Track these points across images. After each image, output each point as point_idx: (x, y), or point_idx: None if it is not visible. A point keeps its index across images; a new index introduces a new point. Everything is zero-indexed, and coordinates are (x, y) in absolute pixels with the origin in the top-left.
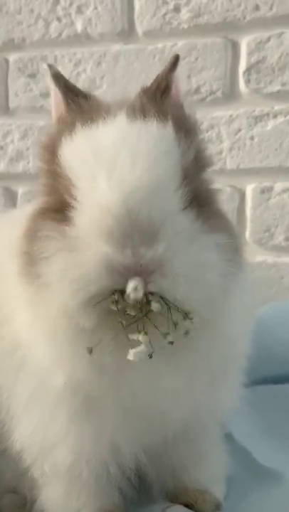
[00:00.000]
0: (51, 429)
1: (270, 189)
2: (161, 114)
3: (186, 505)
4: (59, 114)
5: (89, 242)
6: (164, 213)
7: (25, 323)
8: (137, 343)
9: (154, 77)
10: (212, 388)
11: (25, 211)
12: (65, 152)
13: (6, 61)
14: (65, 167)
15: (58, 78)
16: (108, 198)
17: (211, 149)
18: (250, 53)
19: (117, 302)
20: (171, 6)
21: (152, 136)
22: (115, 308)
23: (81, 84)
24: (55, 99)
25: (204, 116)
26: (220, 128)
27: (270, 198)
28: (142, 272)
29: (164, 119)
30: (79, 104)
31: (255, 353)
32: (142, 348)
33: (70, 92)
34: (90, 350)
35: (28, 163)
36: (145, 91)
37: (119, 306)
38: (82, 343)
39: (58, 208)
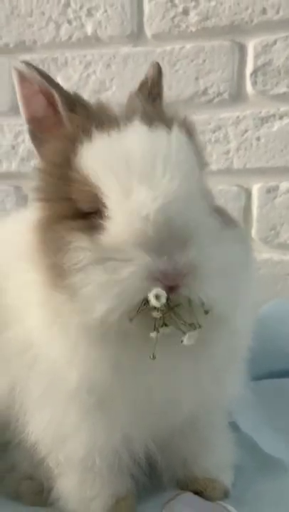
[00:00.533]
0: (64, 424)
1: (275, 188)
2: (168, 119)
3: (196, 493)
4: (33, 110)
5: (127, 250)
6: (196, 220)
7: (41, 326)
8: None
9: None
10: (218, 378)
11: (23, 213)
12: (88, 158)
13: None
14: (88, 174)
15: (50, 78)
16: (148, 208)
17: (219, 149)
18: (256, 56)
19: (155, 308)
20: (179, 9)
21: (179, 144)
22: (157, 316)
23: (91, 86)
24: (28, 93)
25: (212, 118)
26: (227, 129)
27: (275, 197)
28: (177, 277)
29: (174, 125)
30: (80, 108)
31: (260, 349)
32: (194, 332)
33: (63, 94)
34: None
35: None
36: (141, 96)
37: (157, 312)
38: (109, 347)
39: (73, 215)
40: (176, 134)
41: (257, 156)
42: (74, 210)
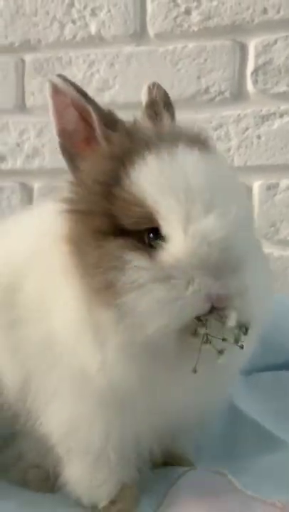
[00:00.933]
0: (80, 419)
1: (275, 186)
2: (201, 141)
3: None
4: (64, 122)
5: (188, 271)
6: (248, 248)
7: (73, 334)
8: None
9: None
10: (227, 381)
11: (41, 211)
12: (142, 179)
13: (23, 61)
14: (141, 194)
15: (85, 94)
16: (215, 234)
17: (220, 147)
18: (257, 55)
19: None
20: (182, 9)
21: (226, 167)
22: (203, 332)
23: (94, 84)
24: (60, 106)
25: (213, 116)
26: (228, 127)
27: (275, 194)
28: (228, 299)
29: (209, 147)
30: (116, 125)
31: (260, 343)
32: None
33: (99, 110)
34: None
35: (44, 159)
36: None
37: (205, 330)
38: (143, 360)
39: (114, 232)
40: (217, 156)
41: (257, 153)
42: (114, 226)
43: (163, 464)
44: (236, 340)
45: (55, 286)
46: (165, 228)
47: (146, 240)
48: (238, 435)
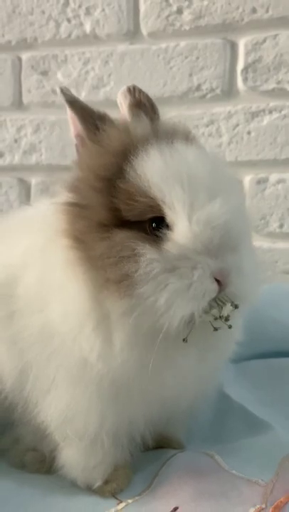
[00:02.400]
0: (78, 407)
1: (265, 180)
2: (189, 136)
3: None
4: (76, 129)
5: (193, 258)
6: (245, 230)
7: (76, 325)
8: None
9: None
10: (218, 367)
11: (39, 207)
12: (147, 172)
13: (19, 59)
14: (146, 186)
15: (74, 102)
16: (219, 219)
17: (211, 143)
18: (247, 53)
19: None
20: (174, 9)
21: (221, 160)
22: (216, 316)
23: (90, 81)
24: (72, 115)
25: (205, 112)
26: (219, 123)
27: (265, 188)
28: (228, 274)
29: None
30: (106, 126)
31: (251, 332)
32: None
33: (84, 115)
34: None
35: (41, 155)
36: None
37: (214, 311)
38: (149, 348)
39: (116, 224)
40: (213, 151)
41: (248, 149)
42: (116, 219)
43: (156, 446)
44: (226, 319)
45: (55, 279)
46: (170, 216)
47: (149, 230)
48: (226, 420)
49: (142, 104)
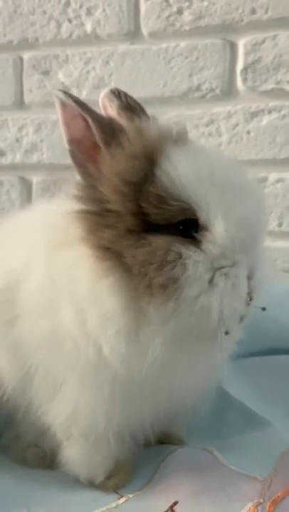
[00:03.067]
0: (84, 408)
1: (264, 179)
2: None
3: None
4: (72, 132)
5: (231, 256)
6: (266, 225)
7: (100, 328)
8: None
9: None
10: (220, 365)
11: (44, 210)
12: (176, 174)
13: (21, 59)
14: (176, 189)
15: (84, 105)
16: (251, 218)
17: (211, 142)
18: (246, 54)
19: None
20: (174, 9)
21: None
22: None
23: (91, 81)
24: (67, 116)
25: (205, 112)
26: (219, 123)
27: (264, 187)
28: (254, 272)
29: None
30: (115, 132)
31: (250, 330)
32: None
33: (97, 119)
34: None
35: (42, 154)
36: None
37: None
38: (182, 349)
39: (144, 229)
40: None
41: (247, 148)
42: (145, 224)
43: (157, 442)
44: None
45: (66, 286)
46: (203, 218)
47: (179, 233)
48: (225, 416)
49: (132, 107)
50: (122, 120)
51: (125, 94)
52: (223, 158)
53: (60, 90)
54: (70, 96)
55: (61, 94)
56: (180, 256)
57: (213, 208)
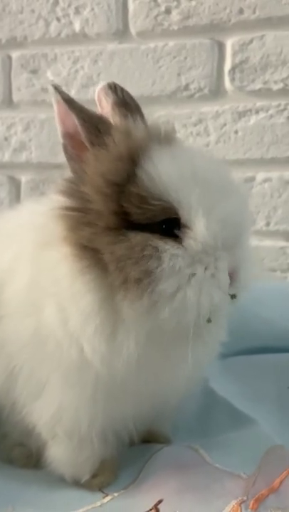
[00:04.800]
0: (69, 407)
1: (252, 179)
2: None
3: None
4: (66, 126)
5: (212, 253)
6: (250, 224)
7: (80, 327)
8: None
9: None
10: (206, 362)
11: (28, 211)
12: (158, 174)
13: (9, 58)
14: (158, 188)
15: (71, 102)
16: (232, 216)
17: (199, 142)
18: (234, 54)
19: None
20: (162, 9)
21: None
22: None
23: (79, 80)
24: (62, 111)
25: (193, 112)
26: (207, 122)
27: (252, 187)
28: (237, 270)
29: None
30: (104, 129)
31: (237, 328)
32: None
33: (83, 117)
34: None
35: (31, 153)
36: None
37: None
38: (158, 346)
39: (126, 227)
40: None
41: (235, 148)
42: (126, 223)
43: (143, 441)
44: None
45: (50, 286)
46: (185, 217)
47: (161, 231)
48: (211, 414)
49: (127, 103)
50: (116, 116)
51: (122, 89)
52: (206, 157)
53: (52, 85)
54: (60, 92)
55: (51, 89)
56: (157, 250)
57: (195, 207)
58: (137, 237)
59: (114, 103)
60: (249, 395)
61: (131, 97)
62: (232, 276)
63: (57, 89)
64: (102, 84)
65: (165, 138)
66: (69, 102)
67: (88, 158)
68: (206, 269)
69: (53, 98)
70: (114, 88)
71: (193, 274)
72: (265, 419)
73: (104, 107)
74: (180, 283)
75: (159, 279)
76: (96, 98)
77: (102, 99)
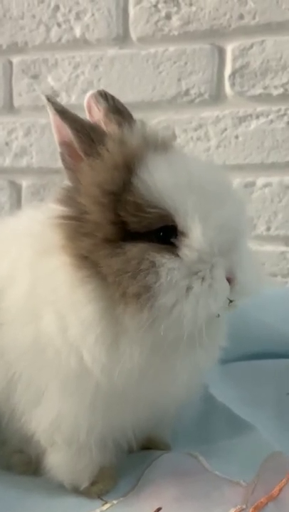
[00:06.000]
0: (67, 415)
1: (252, 184)
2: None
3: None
4: (62, 135)
5: (209, 260)
6: (246, 228)
7: (81, 337)
8: None
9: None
10: (208, 369)
11: (28, 219)
12: (153, 182)
13: (10, 63)
14: (154, 196)
15: (64, 112)
16: (228, 222)
17: (200, 147)
18: (234, 59)
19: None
20: (162, 14)
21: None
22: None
23: (80, 86)
24: (57, 120)
25: (193, 117)
26: (207, 127)
27: (252, 192)
28: (235, 274)
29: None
30: (98, 138)
31: (237, 334)
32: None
33: (76, 127)
34: None
35: (32, 158)
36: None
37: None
38: (159, 356)
39: (123, 237)
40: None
41: (235, 153)
42: (123, 232)
43: (143, 448)
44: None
45: (49, 294)
46: (182, 224)
47: (158, 240)
48: (210, 420)
49: (120, 111)
50: (110, 124)
51: (112, 97)
52: (202, 164)
53: (46, 96)
54: (52, 103)
55: (44, 99)
56: (153, 264)
57: (191, 213)
58: (133, 250)
59: (108, 110)
60: (248, 400)
61: (122, 105)
62: (230, 280)
63: (50, 100)
64: (91, 92)
65: (161, 145)
66: (61, 113)
67: (83, 168)
68: (203, 280)
69: (47, 108)
70: (104, 96)
71: (191, 288)
72: (264, 425)
73: (94, 114)
74: (177, 296)
75: (157, 294)
76: (85, 105)
77: (93, 106)
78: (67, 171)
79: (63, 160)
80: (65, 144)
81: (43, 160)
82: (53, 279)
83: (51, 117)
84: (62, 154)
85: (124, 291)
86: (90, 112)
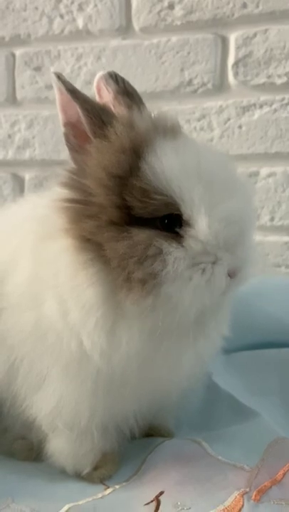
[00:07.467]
0: (69, 400)
1: (256, 174)
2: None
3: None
4: (68, 115)
5: (212, 253)
6: (254, 222)
7: (81, 321)
8: None
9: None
10: (210, 357)
11: (31, 204)
12: (161, 168)
13: (13, 55)
14: (161, 183)
15: (75, 92)
16: (236, 215)
17: (203, 137)
18: (238, 48)
19: None
20: (165, 4)
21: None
22: None
23: (82, 77)
24: (64, 99)
25: (196, 107)
26: (211, 117)
27: (256, 182)
28: (239, 272)
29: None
30: (108, 120)
31: (241, 323)
32: None
33: (86, 107)
34: None
35: (34, 151)
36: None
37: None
38: (159, 343)
39: (128, 222)
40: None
41: (239, 143)
42: (128, 217)
43: (146, 435)
44: None
45: (51, 278)
46: (187, 214)
47: (162, 227)
48: (214, 408)
49: (130, 93)
50: (120, 106)
51: (122, 79)
52: (212, 152)
53: (55, 73)
54: (63, 82)
55: (54, 78)
56: (161, 251)
57: (197, 204)
58: (140, 235)
59: (117, 92)
60: (252, 389)
61: (132, 87)
62: (232, 275)
63: (60, 78)
64: (101, 72)
65: (171, 131)
66: (72, 92)
67: (90, 149)
68: (203, 273)
69: (55, 86)
70: (114, 77)
71: (191, 279)
72: (268, 412)
73: (104, 96)
74: (181, 286)
75: (164, 282)
76: (95, 87)
77: (103, 87)
78: (72, 153)
79: (67, 141)
80: (70, 125)
81: (45, 152)
82: (56, 263)
83: (57, 97)
84: (66, 135)
85: (128, 276)
86: (99, 93)
